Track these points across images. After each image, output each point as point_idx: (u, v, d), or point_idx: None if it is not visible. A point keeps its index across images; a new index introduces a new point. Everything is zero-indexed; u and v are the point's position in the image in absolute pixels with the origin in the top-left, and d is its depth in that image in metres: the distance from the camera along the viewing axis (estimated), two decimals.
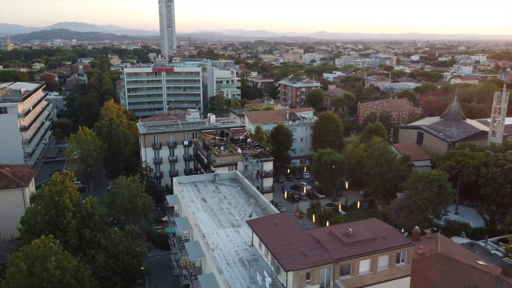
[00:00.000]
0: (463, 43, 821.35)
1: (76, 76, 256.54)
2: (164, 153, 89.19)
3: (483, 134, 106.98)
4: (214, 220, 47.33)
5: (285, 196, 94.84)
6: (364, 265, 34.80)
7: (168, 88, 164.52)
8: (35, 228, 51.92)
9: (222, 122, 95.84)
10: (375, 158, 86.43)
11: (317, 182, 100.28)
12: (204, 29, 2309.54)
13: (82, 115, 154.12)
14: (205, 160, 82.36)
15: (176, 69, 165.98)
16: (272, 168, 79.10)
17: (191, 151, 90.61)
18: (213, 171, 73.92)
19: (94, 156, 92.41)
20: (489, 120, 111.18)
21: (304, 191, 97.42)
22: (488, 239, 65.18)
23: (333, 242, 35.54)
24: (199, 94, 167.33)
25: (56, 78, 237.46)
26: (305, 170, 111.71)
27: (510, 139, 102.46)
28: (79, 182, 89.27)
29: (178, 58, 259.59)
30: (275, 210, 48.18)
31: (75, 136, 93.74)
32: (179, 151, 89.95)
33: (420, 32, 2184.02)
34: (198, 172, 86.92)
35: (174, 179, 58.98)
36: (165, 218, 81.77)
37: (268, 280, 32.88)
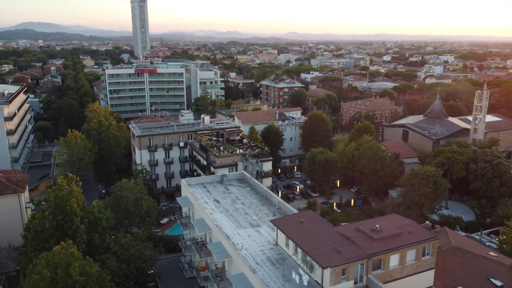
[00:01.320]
0: (430, 44, 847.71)
1: (50, 78, 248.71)
2: (160, 155, 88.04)
3: (465, 131, 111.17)
4: (232, 220, 47.42)
5: (279, 196, 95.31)
6: (393, 260, 35.81)
7: (151, 89, 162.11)
8: (43, 235, 50.40)
9: (217, 123, 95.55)
10: (368, 156, 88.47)
11: (309, 181, 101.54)
12: (175, 29, 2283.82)
13: (63, 118, 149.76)
14: (202, 161, 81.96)
15: (159, 70, 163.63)
16: (271, 168, 79.78)
17: (186, 152, 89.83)
18: (213, 172, 73.82)
19: (85, 159, 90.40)
20: (469, 117, 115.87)
21: (298, 190, 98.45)
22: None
23: (363, 238, 36.38)
24: (182, 96, 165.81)
25: (29, 80, 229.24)
26: (295, 170, 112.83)
27: (490, 136, 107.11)
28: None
29: (159, 59, 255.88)
30: (292, 209, 48.77)
31: (64, 139, 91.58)
32: (175, 153, 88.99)
33: (388, 32, 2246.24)
34: (195, 173, 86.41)
35: (183, 180, 58.53)
36: (163, 221, 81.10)
37: (306, 278, 33.39)
